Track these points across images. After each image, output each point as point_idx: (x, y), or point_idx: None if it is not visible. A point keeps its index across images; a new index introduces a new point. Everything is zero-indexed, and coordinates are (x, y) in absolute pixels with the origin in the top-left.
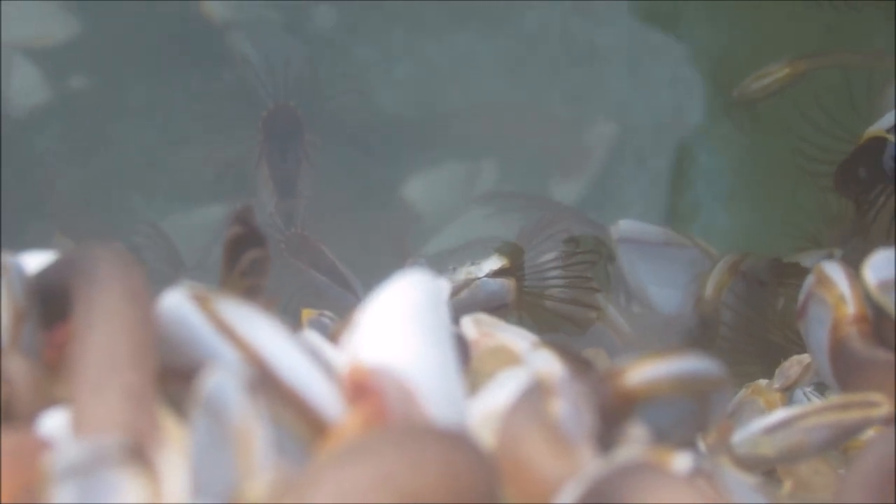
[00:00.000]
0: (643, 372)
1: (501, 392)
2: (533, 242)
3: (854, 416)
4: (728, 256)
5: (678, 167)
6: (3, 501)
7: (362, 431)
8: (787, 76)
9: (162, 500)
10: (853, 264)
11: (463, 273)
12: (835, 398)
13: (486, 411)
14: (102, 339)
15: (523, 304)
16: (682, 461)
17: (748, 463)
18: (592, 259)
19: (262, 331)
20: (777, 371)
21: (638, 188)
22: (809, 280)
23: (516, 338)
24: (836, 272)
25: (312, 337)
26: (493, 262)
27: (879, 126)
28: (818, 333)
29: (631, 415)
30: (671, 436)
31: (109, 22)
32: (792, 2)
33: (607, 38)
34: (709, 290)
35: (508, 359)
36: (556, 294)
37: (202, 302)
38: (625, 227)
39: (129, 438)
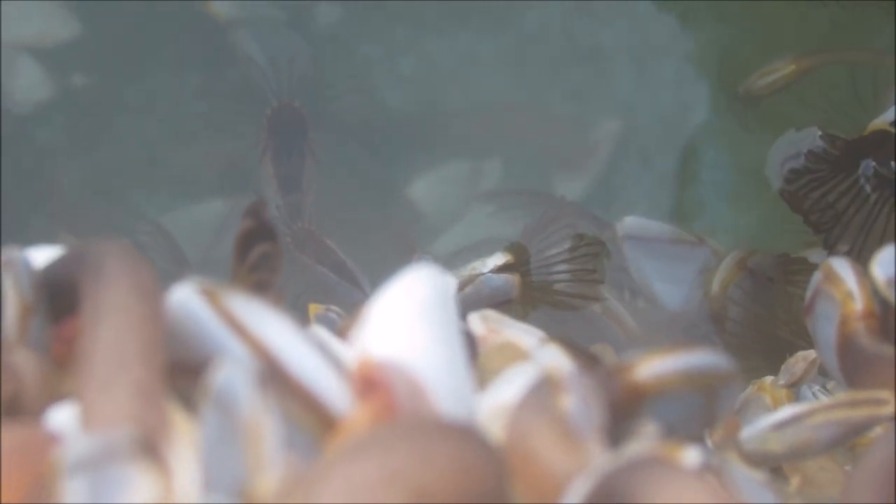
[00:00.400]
0: (652, 366)
1: (510, 387)
2: (537, 238)
3: (862, 413)
4: (735, 252)
5: (683, 165)
6: (11, 496)
7: (371, 426)
8: (792, 73)
9: (172, 495)
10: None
11: (467, 269)
12: (843, 395)
13: (494, 406)
14: (111, 334)
15: (528, 299)
16: (692, 456)
17: (756, 459)
18: (596, 252)
19: (270, 326)
20: (782, 367)
21: (643, 186)
22: (817, 276)
23: (523, 334)
24: (843, 268)
25: (321, 332)
26: (497, 258)
27: (883, 119)
28: (826, 329)
29: (640, 410)
30: (679, 431)
31: (112, 19)
32: (797, 0)
33: (611, 35)
34: (715, 286)
35: (516, 355)
36: (561, 288)
37: (211, 297)
38: (630, 223)
39: (139, 432)
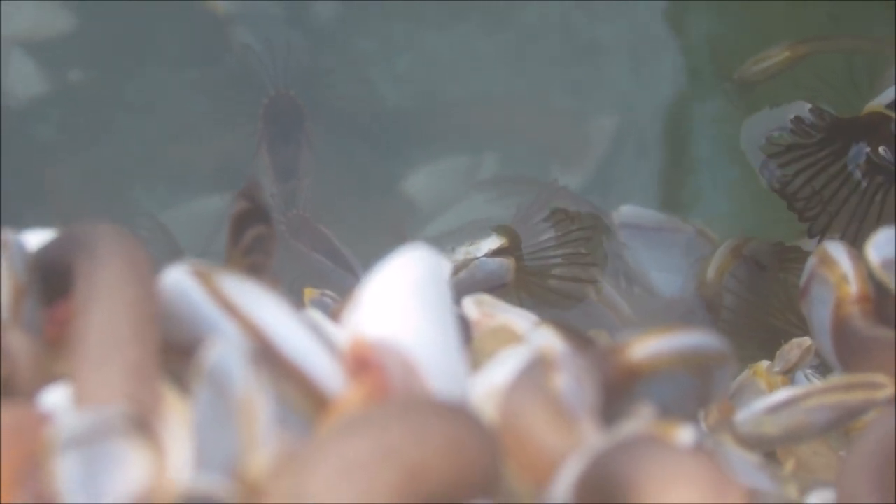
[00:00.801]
0: (646, 346)
1: (503, 368)
2: (530, 221)
3: (857, 397)
4: (730, 240)
5: (679, 155)
6: (5, 475)
7: (364, 405)
8: (787, 59)
9: (165, 472)
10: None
11: (461, 253)
12: (838, 379)
13: (488, 387)
14: (104, 315)
15: (522, 283)
16: (686, 435)
17: (751, 442)
18: (588, 235)
19: (263, 306)
20: (777, 354)
21: (639, 177)
22: (812, 260)
23: (518, 318)
24: (838, 252)
25: (314, 314)
26: (492, 242)
27: (879, 102)
28: (821, 313)
29: (633, 390)
30: (673, 411)
31: (108, 13)
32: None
33: (608, 28)
34: (710, 273)
35: (510, 339)
36: (555, 272)
37: (204, 278)
38: (626, 212)
39: (132, 409)
